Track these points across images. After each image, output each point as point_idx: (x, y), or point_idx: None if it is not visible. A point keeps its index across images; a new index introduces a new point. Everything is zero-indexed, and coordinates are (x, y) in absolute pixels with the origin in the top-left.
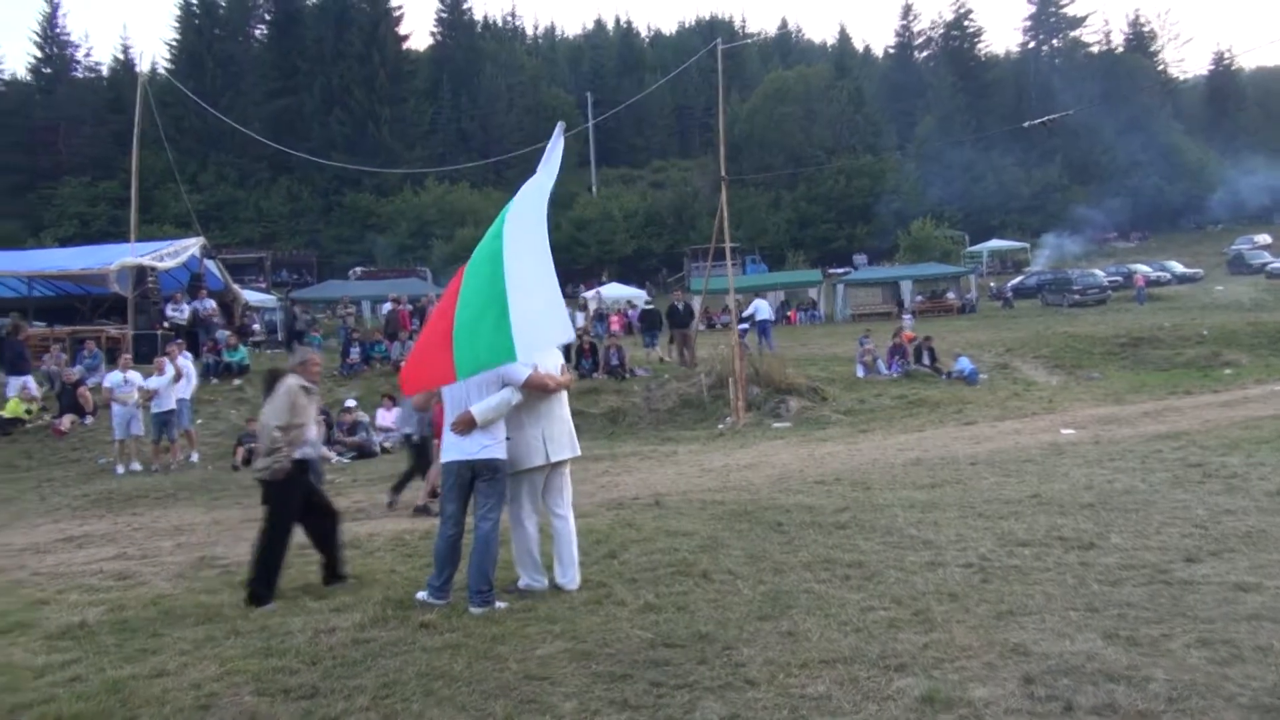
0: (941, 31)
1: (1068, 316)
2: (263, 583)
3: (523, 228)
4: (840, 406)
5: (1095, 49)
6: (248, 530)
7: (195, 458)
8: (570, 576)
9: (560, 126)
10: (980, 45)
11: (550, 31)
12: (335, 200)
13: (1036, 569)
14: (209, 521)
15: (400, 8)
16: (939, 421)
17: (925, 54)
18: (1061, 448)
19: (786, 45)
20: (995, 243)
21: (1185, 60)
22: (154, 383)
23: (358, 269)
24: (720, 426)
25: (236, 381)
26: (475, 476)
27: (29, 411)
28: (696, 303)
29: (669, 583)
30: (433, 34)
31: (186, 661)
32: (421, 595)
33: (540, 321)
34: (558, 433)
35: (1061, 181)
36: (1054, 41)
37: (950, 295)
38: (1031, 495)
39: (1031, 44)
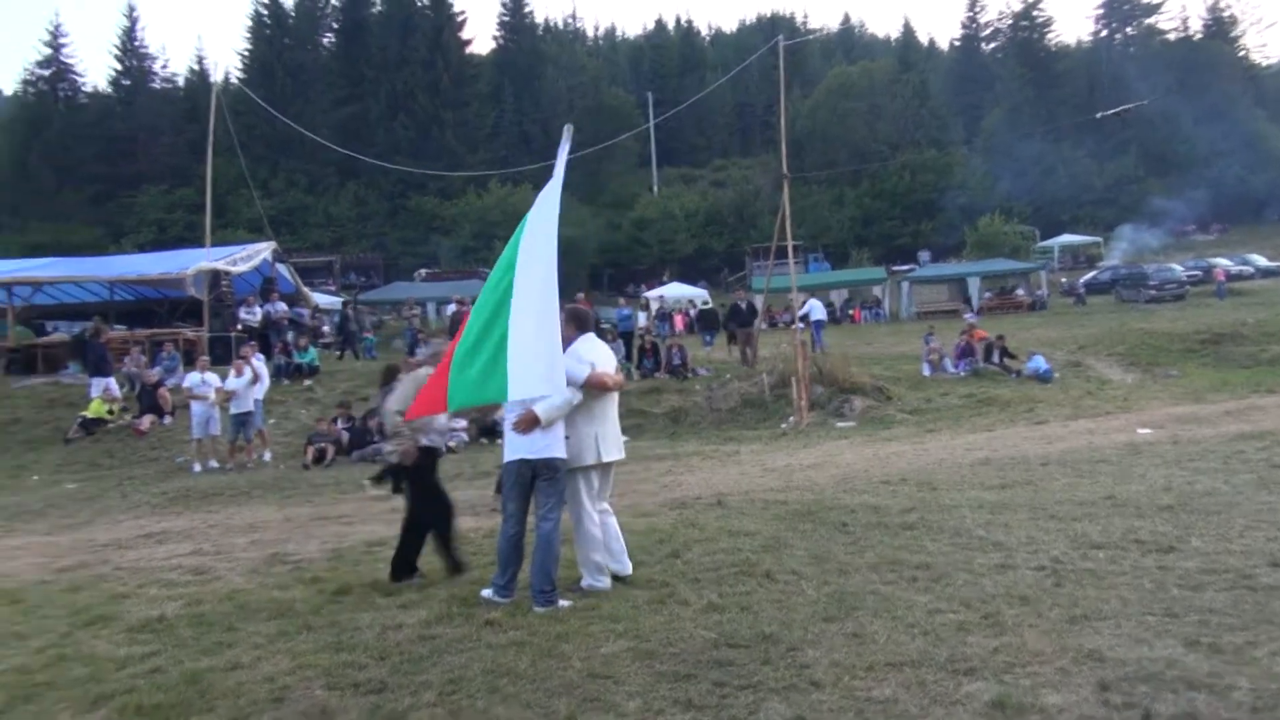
0: (1010, 22)
1: (1144, 313)
2: (402, 559)
3: (534, 256)
4: (906, 406)
5: (1171, 36)
6: (318, 528)
7: (268, 456)
8: (624, 563)
9: (568, 129)
10: (1050, 35)
11: (611, 32)
12: (401, 204)
13: (1112, 572)
14: (281, 519)
15: (463, 13)
16: (1009, 421)
17: (993, 45)
18: (1138, 448)
19: (849, 40)
20: (1067, 237)
21: (1268, 45)
22: (232, 384)
23: (423, 271)
24: (783, 426)
25: (307, 382)
26: (535, 476)
27: (111, 412)
28: (760, 302)
29: (732, 583)
30: (495, 38)
31: (260, 655)
32: (486, 593)
33: (536, 367)
34: (610, 433)
35: (1137, 173)
36: (1128, 29)
37: (1020, 292)
38: (1106, 496)
39: (1104, 33)
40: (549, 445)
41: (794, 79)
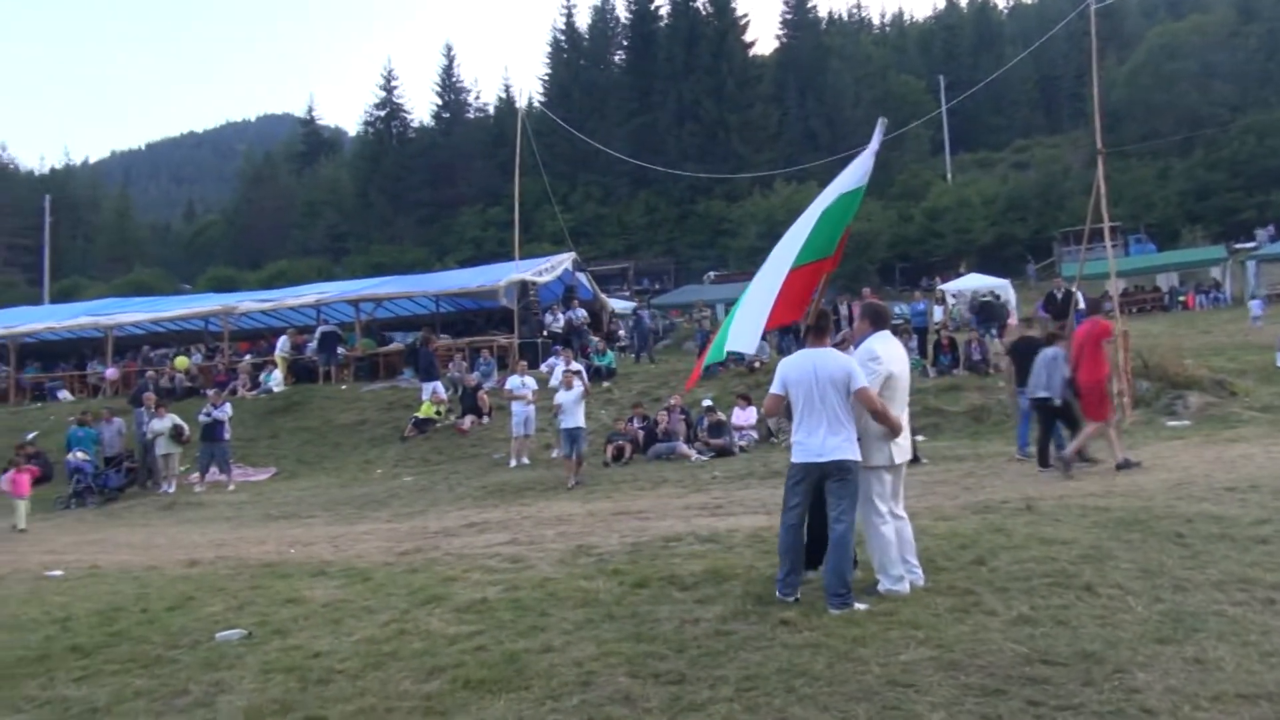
0: None
1: None
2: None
3: (794, 229)
4: (1255, 402)
5: None
6: (618, 522)
7: (556, 453)
8: (917, 573)
9: (882, 123)
10: None
11: (898, 18)
12: (689, 209)
13: None
14: (585, 513)
15: (745, 16)
16: None
17: None
18: None
19: None
20: None
21: None
22: (561, 398)
23: (711, 273)
24: None
25: (605, 384)
26: (825, 477)
27: (438, 413)
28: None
29: (1045, 594)
30: (777, 37)
31: (569, 640)
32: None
33: (746, 326)
34: (901, 435)
35: None
36: None
37: None
38: None
39: None
40: (839, 446)
41: (1108, 44)
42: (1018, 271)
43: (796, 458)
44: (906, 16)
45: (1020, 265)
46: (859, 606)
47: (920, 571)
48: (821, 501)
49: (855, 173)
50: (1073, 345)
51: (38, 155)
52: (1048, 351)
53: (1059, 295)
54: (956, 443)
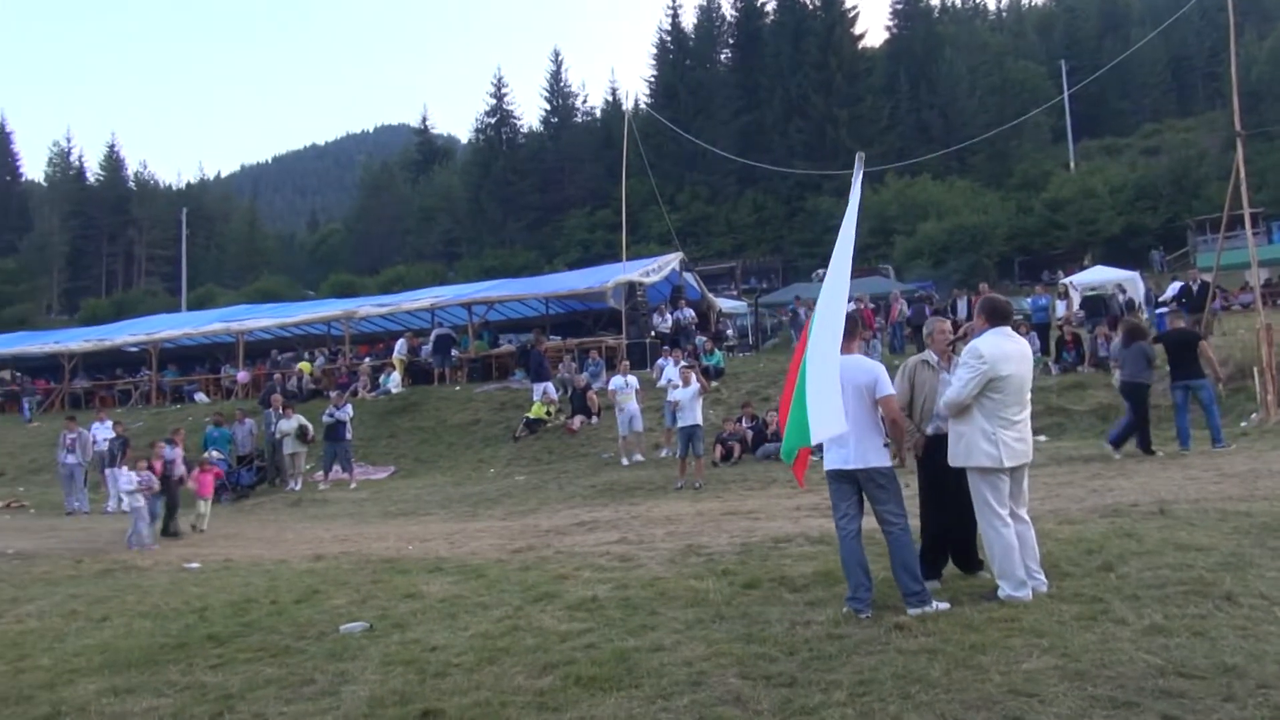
0: None
1: None
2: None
3: (830, 294)
4: None
5: None
6: (728, 522)
7: (665, 452)
8: (1040, 580)
9: (860, 158)
10: None
11: (1015, 3)
12: (797, 206)
13: None
14: (694, 513)
15: (854, 8)
16: None
17: None
18: None
19: None
20: None
21: None
22: (677, 395)
23: (820, 271)
24: (1243, 424)
25: (714, 384)
26: (859, 485)
27: (549, 413)
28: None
29: (1180, 603)
30: (888, 27)
31: (679, 640)
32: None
33: (833, 405)
34: (1009, 436)
35: None
36: None
37: None
38: None
39: None
40: (866, 454)
41: (1246, 19)
42: (1147, 263)
43: (826, 464)
44: (1025, 0)
45: (1149, 255)
46: (940, 606)
47: (1043, 578)
48: (956, 510)
49: (850, 217)
50: None
51: (174, 171)
52: None
53: (1194, 287)
54: (1082, 443)
